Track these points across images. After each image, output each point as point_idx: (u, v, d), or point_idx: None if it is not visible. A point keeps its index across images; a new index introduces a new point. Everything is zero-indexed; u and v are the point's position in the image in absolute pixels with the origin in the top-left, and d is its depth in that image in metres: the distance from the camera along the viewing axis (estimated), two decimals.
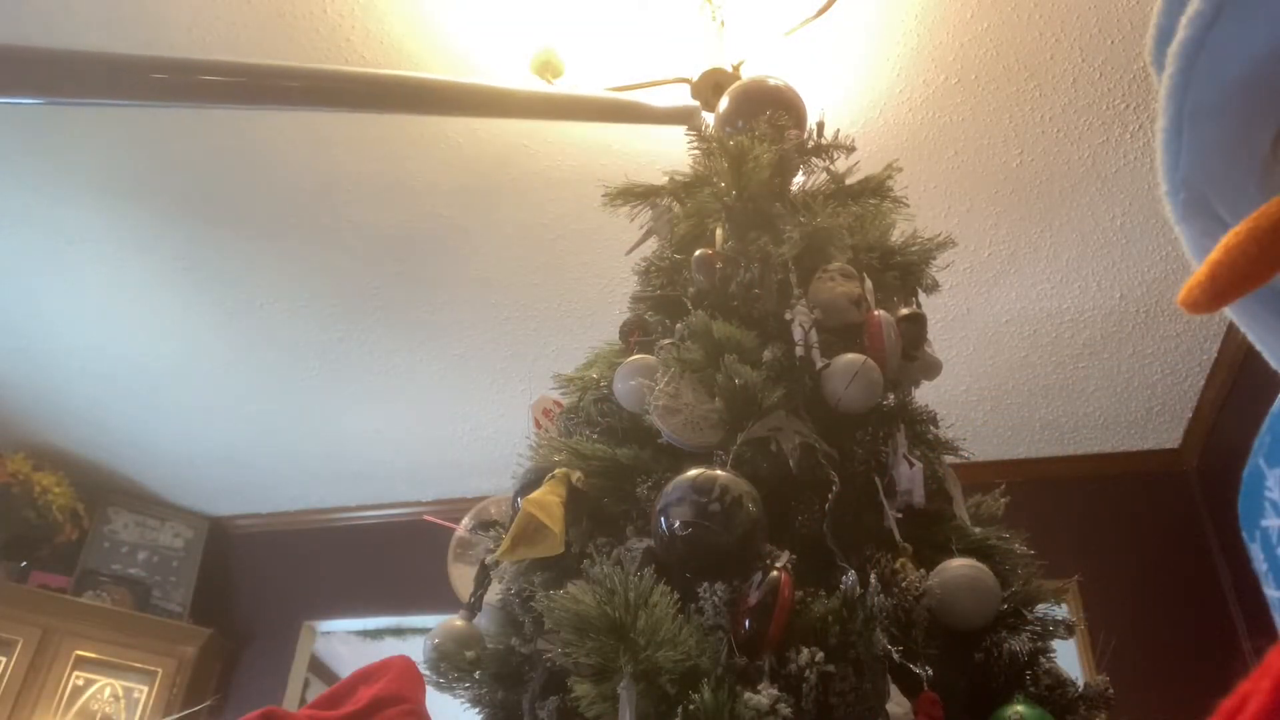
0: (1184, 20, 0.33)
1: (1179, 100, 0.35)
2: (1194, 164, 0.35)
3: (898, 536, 1.01)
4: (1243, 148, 0.34)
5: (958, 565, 0.98)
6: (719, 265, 1.25)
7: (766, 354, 1.11)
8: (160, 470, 3.64)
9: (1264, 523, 0.29)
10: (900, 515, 1.04)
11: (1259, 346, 0.38)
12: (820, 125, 1.48)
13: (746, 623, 0.84)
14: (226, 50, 2.01)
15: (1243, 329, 0.38)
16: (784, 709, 0.77)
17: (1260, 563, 0.30)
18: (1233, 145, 0.34)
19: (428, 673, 1.04)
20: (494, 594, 1.15)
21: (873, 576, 0.91)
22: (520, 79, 2.03)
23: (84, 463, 3.56)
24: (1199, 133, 0.35)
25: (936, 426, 1.19)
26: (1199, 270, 0.29)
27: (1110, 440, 3.18)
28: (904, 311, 1.25)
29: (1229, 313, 0.36)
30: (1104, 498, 3.15)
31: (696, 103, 1.30)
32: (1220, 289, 0.28)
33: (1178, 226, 0.38)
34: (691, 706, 0.77)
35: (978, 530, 1.10)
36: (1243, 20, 0.32)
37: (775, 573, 0.85)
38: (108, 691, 3.29)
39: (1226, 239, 0.28)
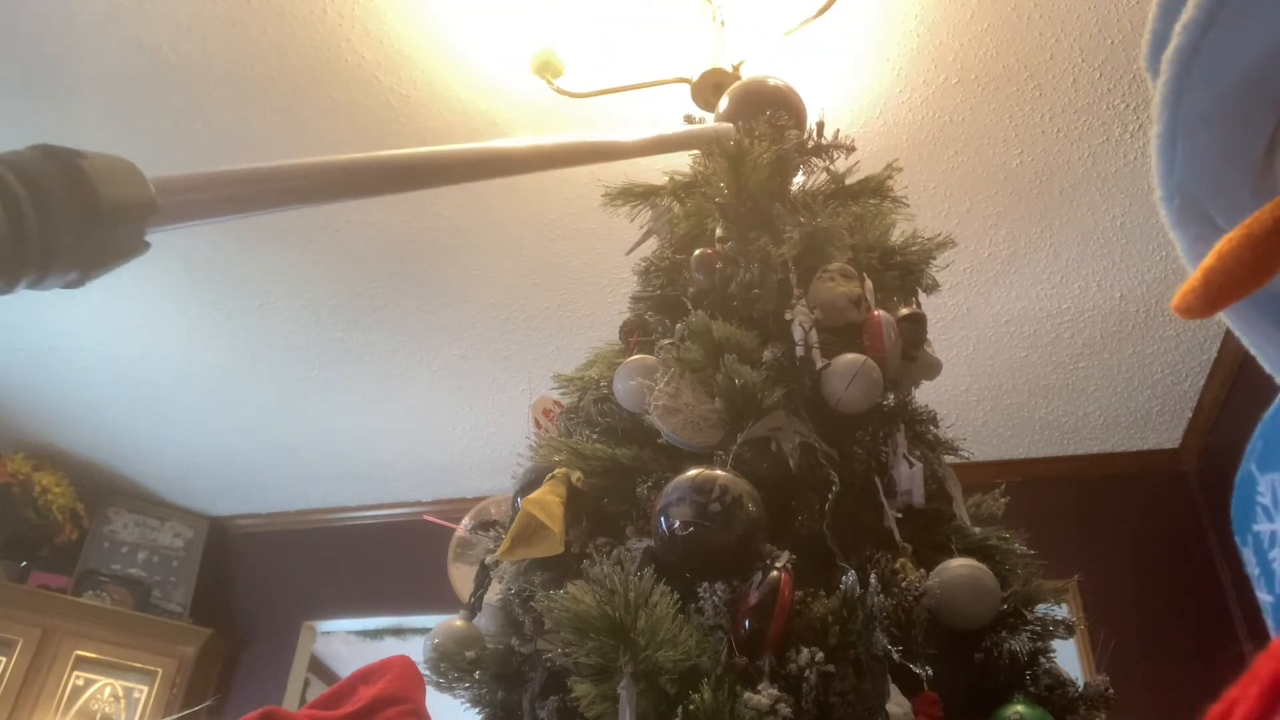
0: (1178, 27, 0.33)
1: (1173, 106, 0.35)
2: (1188, 169, 0.36)
3: (898, 536, 1.01)
4: (1236, 153, 0.34)
5: (958, 565, 0.99)
6: (719, 265, 1.25)
7: (766, 354, 1.11)
8: (160, 470, 3.64)
9: (1256, 527, 0.29)
10: (900, 515, 1.04)
11: (1254, 351, 0.38)
12: (820, 125, 1.48)
13: (746, 623, 0.84)
14: (226, 50, 2.02)
15: (1238, 334, 0.38)
16: (784, 709, 0.77)
17: (1252, 567, 0.30)
18: (1226, 151, 0.34)
19: (428, 673, 1.04)
20: (494, 594, 1.15)
21: (873, 576, 0.91)
22: (521, 80, 2.04)
23: (84, 463, 3.57)
24: (1193, 138, 0.35)
25: (936, 426, 1.19)
26: (1193, 276, 0.29)
27: (1110, 440, 3.18)
28: (904, 311, 1.25)
29: (1224, 318, 0.36)
30: (1104, 498, 3.15)
31: (730, 125, 1.33)
32: (1214, 295, 0.29)
33: (1172, 232, 0.38)
34: (691, 706, 0.77)
35: (978, 530, 1.10)
36: (1237, 27, 0.32)
37: (775, 573, 0.85)
38: (108, 691, 3.29)
39: (1220, 245, 0.28)
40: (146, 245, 0.45)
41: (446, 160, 0.65)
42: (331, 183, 0.57)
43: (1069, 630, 1.04)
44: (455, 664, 1.05)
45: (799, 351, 1.11)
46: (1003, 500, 1.21)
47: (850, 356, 1.08)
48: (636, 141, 1.10)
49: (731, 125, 1.34)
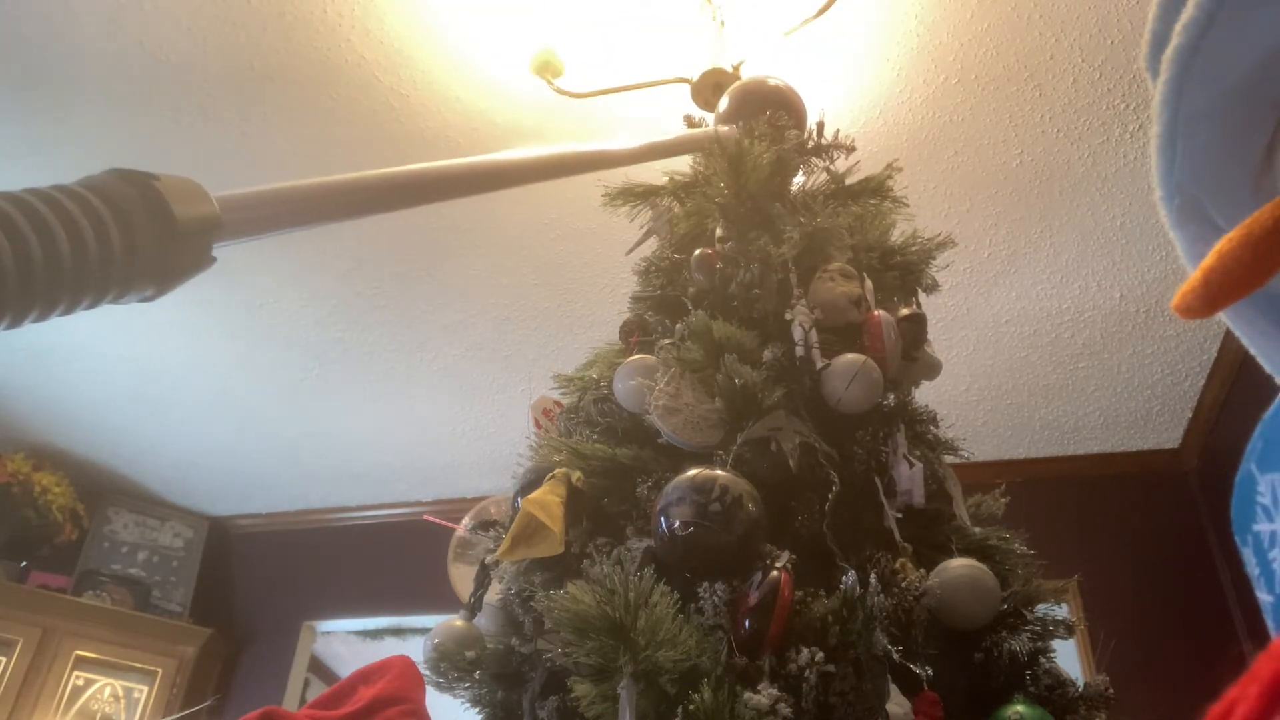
0: (1178, 27, 0.33)
1: (1173, 106, 0.35)
2: (1188, 170, 0.36)
3: (898, 536, 1.01)
4: (1236, 153, 0.34)
5: (958, 565, 0.99)
6: (719, 265, 1.25)
7: (766, 354, 1.11)
8: (160, 470, 3.64)
9: (1255, 527, 0.29)
10: (900, 515, 1.04)
11: (1254, 351, 0.38)
12: (820, 125, 1.48)
13: (746, 623, 0.84)
14: (226, 50, 2.02)
15: (1238, 334, 0.38)
16: (784, 709, 0.77)
17: (1252, 567, 0.30)
18: (1226, 151, 0.34)
19: (428, 673, 1.04)
20: (494, 594, 1.15)
21: (873, 576, 0.91)
22: (521, 80, 2.04)
23: (84, 463, 3.57)
24: (1193, 139, 0.35)
25: (936, 426, 1.19)
26: (1193, 276, 0.30)
27: (1110, 440, 3.18)
28: (904, 311, 1.25)
29: (1224, 318, 0.36)
30: (1104, 498, 3.15)
31: (720, 129, 1.35)
32: (1214, 295, 0.29)
33: (1172, 232, 0.38)
34: (691, 706, 0.77)
35: (978, 530, 1.10)
36: (1237, 28, 0.32)
37: (775, 573, 0.85)
38: (108, 691, 3.29)
39: (1220, 245, 0.29)
40: (213, 260, 0.47)
41: (473, 171, 0.68)
42: (374, 197, 0.60)
43: (1069, 630, 1.04)
44: (455, 664, 1.05)
45: (799, 351, 1.11)
46: (1003, 500, 1.21)
47: (850, 356, 1.08)
48: (630, 150, 1.10)
49: (724, 128, 1.35)
